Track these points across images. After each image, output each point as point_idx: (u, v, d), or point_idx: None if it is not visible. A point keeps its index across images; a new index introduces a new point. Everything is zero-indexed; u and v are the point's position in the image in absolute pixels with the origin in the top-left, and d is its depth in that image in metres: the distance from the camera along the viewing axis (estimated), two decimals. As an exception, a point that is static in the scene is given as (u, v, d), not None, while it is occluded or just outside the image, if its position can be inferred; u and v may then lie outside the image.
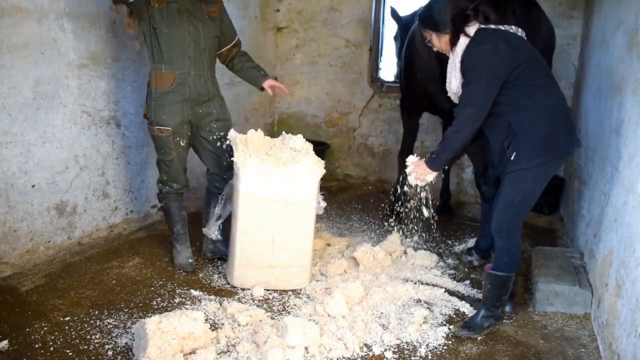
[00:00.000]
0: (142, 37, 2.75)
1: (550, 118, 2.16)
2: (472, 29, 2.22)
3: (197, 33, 2.68)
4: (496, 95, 2.18)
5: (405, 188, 2.66)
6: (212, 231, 2.94)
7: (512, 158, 2.19)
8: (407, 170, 2.49)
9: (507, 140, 2.22)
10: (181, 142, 2.78)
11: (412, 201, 2.82)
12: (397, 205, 3.93)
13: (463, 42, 2.22)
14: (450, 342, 2.30)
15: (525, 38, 2.30)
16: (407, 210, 3.19)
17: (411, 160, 2.50)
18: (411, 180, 2.47)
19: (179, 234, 2.97)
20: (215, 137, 2.84)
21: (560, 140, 2.17)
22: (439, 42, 2.32)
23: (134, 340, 2.17)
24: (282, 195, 2.58)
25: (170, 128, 2.71)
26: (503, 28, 2.25)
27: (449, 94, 2.40)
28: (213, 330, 2.26)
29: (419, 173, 2.43)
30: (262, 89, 2.96)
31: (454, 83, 2.31)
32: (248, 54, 3.02)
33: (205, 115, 2.81)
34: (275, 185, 2.56)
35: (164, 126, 2.71)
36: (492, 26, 2.25)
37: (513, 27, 2.29)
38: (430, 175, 2.43)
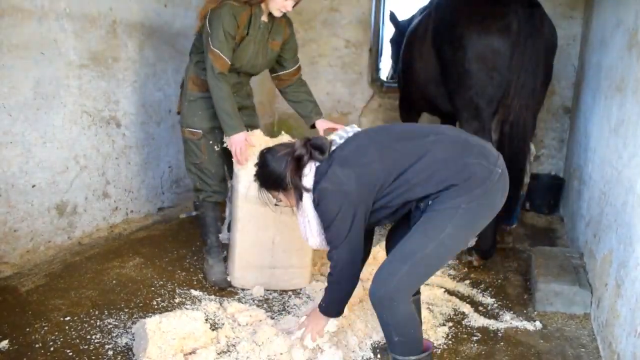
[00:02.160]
0: (198, 35, 2.68)
1: (449, 167, 1.74)
2: (309, 175, 1.84)
3: (255, 62, 2.67)
4: (373, 208, 1.81)
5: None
6: (227, 237, 2.88)
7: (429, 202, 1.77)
8: (298, 334, 2.09)
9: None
10: (215, 147, 2.73)
11: None
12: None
13: (307, 196, 1.85)
14: (450, 342, 2.30)
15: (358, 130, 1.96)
16: None
17: (298, 321, 2.18)
18: (307, 342, 2.05)
19: (212, 247, 2.81)
20: None
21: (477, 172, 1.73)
22: (288, 199, 1.94)
23: (134, 340, 2.17)
24: None
25: (201, 131, 2.68)
26: (335, 148, 1.88)
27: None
28: (213, 330, 2.26)
29: (316, 328, 2.04)
30: (313, 126, 2.86)
31: (311, 240, 1.93)
32: (307, 86, 2.94)
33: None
34: None
35: (195, 129, 2.69)
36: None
37: (344, 131, 1.95)
38: (332, 323, 2.06)
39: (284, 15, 2.70)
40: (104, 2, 3.16)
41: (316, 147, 1.86)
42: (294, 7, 2.60)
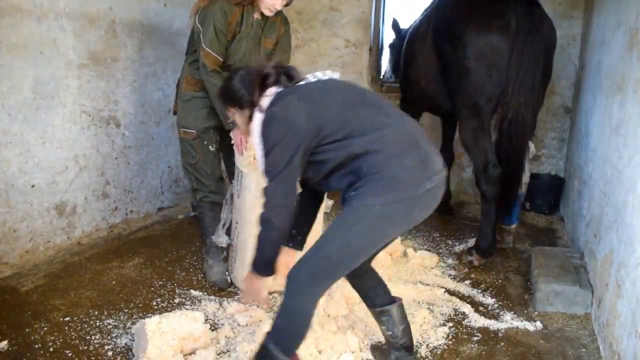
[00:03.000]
0: (191, 33, 2.69)
1: (394, 156, 1.66)
2: (268, 97, 1.76)
3: (248, 60, 2.67)
4: (311, 157, 1.72)
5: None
6: (221, 239, 2.85)
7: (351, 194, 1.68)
8: (242, 296, 2.11)
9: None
10: (210, 147, 2.74)
11: None
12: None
13: (259, 116, 1.75)
14: (450, 342, 2.30)
15: (337, 79, 1.87)
16: None
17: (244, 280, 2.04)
18: (247, 299, 2.07)
19: (211, 247, 2.80)
20: None
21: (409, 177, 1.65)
22: (241, 118, 1.88)
23: (133, 340, 2.17)
24: None
25: (195, 131, 2.69)
26: (304, 82, 1.82)
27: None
28: (213, 330, 2.26)
29: (254, 290, 1.90)
30: None
31: (260, 166, 1.79)
32: None
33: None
34: None
35: (189, 129, 2.70)
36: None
37: (321, 73, 1.87)
38: (259, 282, 1.88)
39: (280, 13, 2.71)
40: (103, 1, 3.16)
41: (286, 72, 1.82)
42: (285, 5, 2.59)
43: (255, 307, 2.49)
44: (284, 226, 1.77)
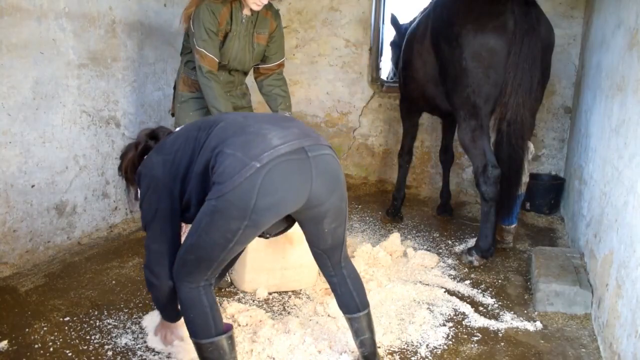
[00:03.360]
0: (186, 36, 2.71)
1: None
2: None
3: (242, 57, 2.70)
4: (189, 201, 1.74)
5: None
6: None
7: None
8: (153, 336, 2.18)
9: None
10: None
11: None
12: (396, 203, 3.93)
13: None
14: (450, 342, 2.30)
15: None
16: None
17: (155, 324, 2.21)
18: (154, 344, 2.15)
19: None
20: None
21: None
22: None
23: (133, 340, 2.17)
24: None
25: None
26: (167, 137, 1.88)
27: None
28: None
29: (166, 333, 2.09)
30: None
31: None
32: (284, 80, 2.92)
33: None
34: None
35: None
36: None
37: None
38: (176, 326, 2.06)
39: (271, 8, 2.72)
40: (103, 1, 3.16)
41: (153, 135, 1.92)
42: None
43: (256, 307, 2.49)
44: (165, 283, 1.78)
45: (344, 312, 2.00)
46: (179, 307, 1.75)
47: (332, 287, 2.02)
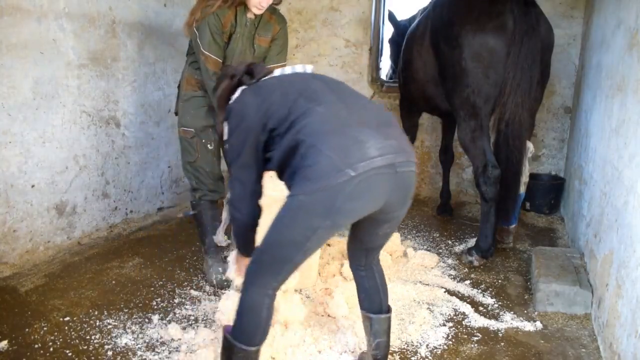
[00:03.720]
0: (194, 35, 2.69)
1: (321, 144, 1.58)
2: (234, 97, 1.88)
3: (244, 59, 2.70)
4: (267, 154, 1.76)
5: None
6: (220, 239, 2.84)
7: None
8: (231, 275, 2.23)
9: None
10: (208, 145, 2.76)
11: None
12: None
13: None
14: (450, 342, 2.30)
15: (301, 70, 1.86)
16: None
17: (232, 256, 2.22)
18: (230, 274, 2.23)
19: (210, 246, 2.80)
20: None
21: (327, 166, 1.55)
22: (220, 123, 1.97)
23: (133, 340, 2.18)
24: None
25: (193, 130, 2.72)
26: (267, 77, 1.87)
27: None
28: (213, 330, 2.26)
29: (241, 266, 2.08)
30: None
31: None
32: None
33: None
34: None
35: (188, 127, 2.74)
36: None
37: (290, 68, 1.88)
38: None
39: (275, 12, 2.76)
40: (103, 1, 3.16)
41: (249, 71, 1.90)
42: (275, 4, 2.68)
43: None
44: (246, 218, 1.86)
45: (366, 310, 1.96)
46: (239, 306, 1.72)
47: (358, 281, 2.00)
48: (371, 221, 1.78)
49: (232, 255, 2.19)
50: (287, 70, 1.88)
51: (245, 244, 1.99)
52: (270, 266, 1.68)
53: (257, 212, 1.87)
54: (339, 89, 1.78)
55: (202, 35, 2.57)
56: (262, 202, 2.55)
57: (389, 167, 1.59)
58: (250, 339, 1.70)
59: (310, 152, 1.58)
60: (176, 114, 2.85)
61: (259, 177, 1.84)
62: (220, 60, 2.62)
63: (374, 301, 1.97)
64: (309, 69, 1.90)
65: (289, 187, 1.66)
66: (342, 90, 1.78)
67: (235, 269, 2.15)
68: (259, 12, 2.62)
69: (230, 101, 1.86)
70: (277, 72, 1.88)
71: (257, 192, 1.85)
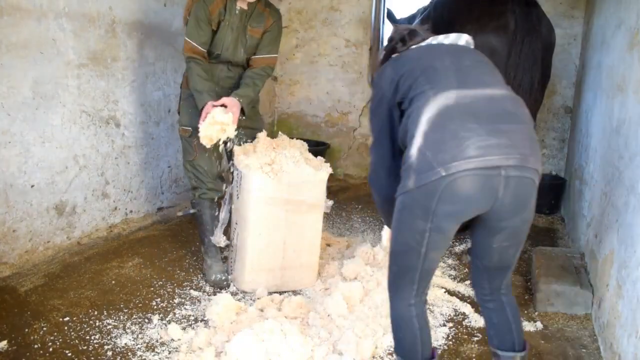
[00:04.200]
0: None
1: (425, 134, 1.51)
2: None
3: (234, 49, 2.74)
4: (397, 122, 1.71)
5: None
6: (219, 239, 2.81)
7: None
8: (382, 243, 2.18)
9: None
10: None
11: None
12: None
13: None
14: (450, 342, 2.30)
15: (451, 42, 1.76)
16: None
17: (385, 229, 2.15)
18: (383, 240, 2.14)
19: (210, 246, 2.79)
20: (241, 144, 2.78)
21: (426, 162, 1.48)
22: None
23: (133, 340, 2.18)
24: (293, 196, 2.58)
25: (191, 128, 2.74)
26: (414, 46, 1.78)
27: None
28: (213, 330, 2.26)
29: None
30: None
31: None
32: (263, 76, 2.82)
33: None
34: (285, 186, 2.55)
35: (186, 126, 2.77)
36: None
37: (443, 36, 1.78)
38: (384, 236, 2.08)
39: (270, 6, 2.79)
40: (103, 1, 3.15)
41: (403, 39, 1.81)
42: None
43: (256, 307, 2.48)
44: (384, 191, 1.79)
45: (495, 347, 1.78)
46: (391, 323, 1.69)
47: (485, 315, 1.83)
48: (483, 229, 1.62)
49: (385, 229, 2.11)
50: (438, 39, 1.76)
51: (386, 215, 1.87)
52: (401, 276, 1.63)
53: (394, 186, 1.66)
54: (466, 70, 1.61)
55: (190, 22, 2.64)
56: (263, 203, 2.56)
57: (491, 169, 1.43)
58: (414, 354, 1.64)
59: (410, 144, 1.52)
60: (178, 113, 2.88)
61: (396, 152, 1.73)
62: (201, 48, 2.66)
63: (505, 338, 1.77)
64: (462, 40, 1.76)
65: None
66: (469, 73, 1.61)
67: (387, 240, 2.05)
68: (243, 6, 2.68)
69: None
70: (426, 41, 1.77)
71: (394, 167, 1.71)
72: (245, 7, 2.69)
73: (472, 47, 1.79)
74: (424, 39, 1.78)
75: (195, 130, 2.68)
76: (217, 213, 2.84)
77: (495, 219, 1.55)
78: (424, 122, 1.49)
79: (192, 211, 2.89)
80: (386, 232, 2.11)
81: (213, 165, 2.81)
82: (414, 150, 1.49)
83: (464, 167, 1.42)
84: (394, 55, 1.80)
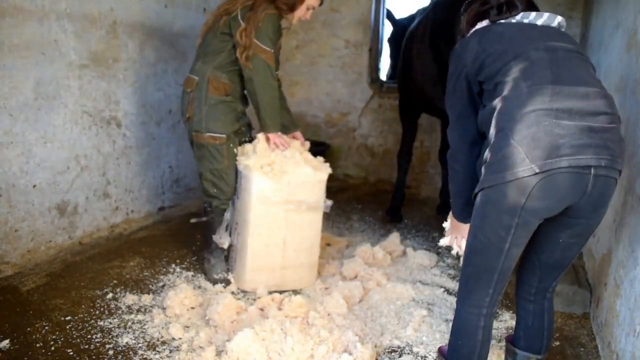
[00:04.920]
0: (224, 35, 2.64)
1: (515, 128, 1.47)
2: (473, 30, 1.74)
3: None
4: (477, 99, 1.68)
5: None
6: (223, 239, 2.81)
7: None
8: (446, 241, 2.00)
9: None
10: (235, 150, 2.72)
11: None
12: (396, 203, 3.93)
13: None
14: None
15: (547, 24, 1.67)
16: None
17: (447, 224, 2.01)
18: (455, 248, 1.95)
19: (216, 250, 2.80)
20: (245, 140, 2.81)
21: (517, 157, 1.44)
22: None
23: (134, 339, 2.19)
24: (293, 196, 2.59)
25: (225, 135, 2.65)
26: (503, 21, 1.68)
27: None
28: (214, 330, 2.27)
29: (456, 230, 1.89)
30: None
31: None
32: (283, 93, 2.93)
33: (244, 124, 2.83)
34: (285, 186, 2.57)
35: (218, 133, 2.64)
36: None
37: (535, 14, 1.67)
38: (465, 226, 1.81)
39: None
40: (104, 2, 3.17)
41: (499, 5, 1.68)
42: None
43: (256, 307, 2.50)
44: (465, 170, 1.70)
45: (519, 347, 1.79)
46: (451, 327, 1.66)
47: (521, 315, 1.80)
48: (553, 222, 1.58)
49: (448, 222, 1.98)
50: (530, 17, 1.66)
51: (462, 205, 1.76)
52: (477, 279, 1.57)
53: (475, 164, 1.68)
54: (561, 63, 1.55)
55: (268, 34, 2.56)
56: (263, 203, 2.57)
57: (583, 168, 1.43)
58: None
59: (499, 137, 1.48)
60: (188, 119, 2.69)
61: (475, 130, 1.69)
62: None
63: (534, 342, 1.77)
64: (555, 21, 1.68)
65: (478, 177, 1.56)
66: (563, 66, 1.54)
67: (451, 238, 1.92)
68: (295, 22, 2.69)
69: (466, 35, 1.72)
70: (516, 18, 1.67)
71: (478, 143, 1.68)
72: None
73: (564, 29, 1.71)
74: (522, 10, 1.68)
75: (229, 135, 2.66)
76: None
77: (574, 215, 1.55)
78: (517, 116, 1.46)
79: (204, 218, 2.84)
80: (450, 228, 1.94)
81: (236, 172, 2.74)
82: (504, 143, 1.46)
83: (558, 165, 1.41)
84: (479, 25, 1.71)
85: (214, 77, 2.62)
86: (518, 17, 1.66)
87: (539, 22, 1.65)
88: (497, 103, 1.52)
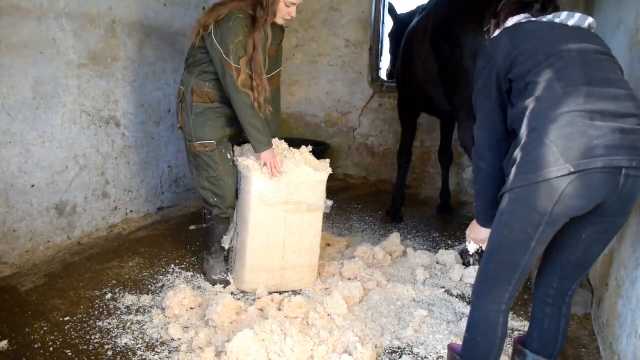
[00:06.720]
0: (201, 48, 2.57)
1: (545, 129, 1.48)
2: (509, 23, 1.72)
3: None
4: (506, 99, 1.68)
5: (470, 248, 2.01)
6: (224, 241, 2.80)
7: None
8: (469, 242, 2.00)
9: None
10: (228, 156, 2.68)
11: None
12: (396, 203, 3.92)
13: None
14: (450, 342, 2.30)
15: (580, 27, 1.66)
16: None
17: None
18: (470, 248, 1.98)
19: (216, 251, 2.80)
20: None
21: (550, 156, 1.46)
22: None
23: (133, 340, 2.18)
24: (293, 197, 2.58)
25: (214, 141, 2.62)
26: (541, 19, 1.67)
27: None
28: (214, 330, 2.26)
29: (475, 235, 1.88)
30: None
31: None
32: (279, 100, 2.86)
33: (238, 129, 2.74)
34: (285, 187, 2.56)
35: (208, 140, 2.61)
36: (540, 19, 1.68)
37: (566, 15, 1.66)
38: (485, 232, 1.80)
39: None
40: (103, 1, 3.16)
41: (544, 4, 1.69)
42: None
43: (256, 307, 2.49)
44: (491, 168, 1.69)
45: (531, 350, 1.78)
46: (467, 324, 1.66)
47: (537, 317, 1.79)
48: (578, 219, 1.57)
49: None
50: (562, 18, 1.66)
51: (486, 206, 1.75)
52: (498, 276, 1.57)
53: (501, 163, 1.67)
54: (592, 65, 1.56)
55: (228, 47, 2.44)
56: (262, 204, 2.56)
57: (614, 168, 1.45)
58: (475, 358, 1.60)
59: (532, 137, 1.48)
60: (180, 128, 2.69)
61: (503, 127, 1.69)
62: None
63: (546, 346, 1.76)
64: (586, 23, 1.67)
65: (507, 177, 1.56)
66: (595, 68, 1.55)
67: (471, 238, 1.91)
68: (282, 23, 2.60)
69: (500, 27, 1.72)
70: (548, 17, 1.67)
71: (505, 141, 1.68)
72: (267, 28, 2.55)
73: (594, 30, 1.70)
74: (551, 12, 1.69)
75: (219, 141, 2.62)
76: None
77: (601, 213, 1.56)
78: (552, 117, 1.47)
79: (205, 225, 2.80)
80: (471, 229, 1.92)
81: (235, 178, 2.70)
82: (538, 143, 1.47)
83: (593, 165, 1.42)
84: (515, 19, 1.70)
85: (197, 86, 2.59)
86: (549, 17, 1.66)
87: (570, 23, 1.65)
88: (530, 103, 1.53)
